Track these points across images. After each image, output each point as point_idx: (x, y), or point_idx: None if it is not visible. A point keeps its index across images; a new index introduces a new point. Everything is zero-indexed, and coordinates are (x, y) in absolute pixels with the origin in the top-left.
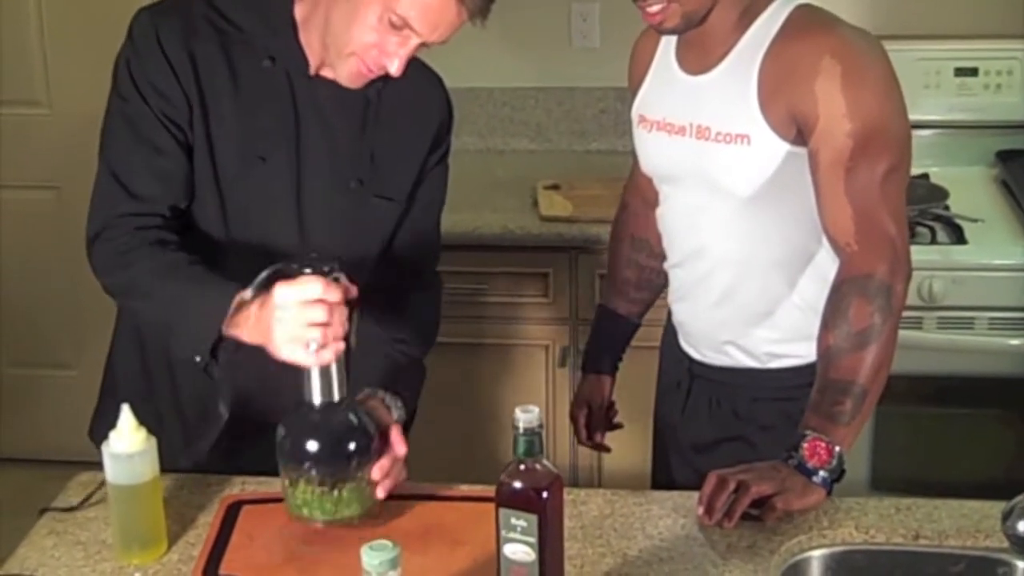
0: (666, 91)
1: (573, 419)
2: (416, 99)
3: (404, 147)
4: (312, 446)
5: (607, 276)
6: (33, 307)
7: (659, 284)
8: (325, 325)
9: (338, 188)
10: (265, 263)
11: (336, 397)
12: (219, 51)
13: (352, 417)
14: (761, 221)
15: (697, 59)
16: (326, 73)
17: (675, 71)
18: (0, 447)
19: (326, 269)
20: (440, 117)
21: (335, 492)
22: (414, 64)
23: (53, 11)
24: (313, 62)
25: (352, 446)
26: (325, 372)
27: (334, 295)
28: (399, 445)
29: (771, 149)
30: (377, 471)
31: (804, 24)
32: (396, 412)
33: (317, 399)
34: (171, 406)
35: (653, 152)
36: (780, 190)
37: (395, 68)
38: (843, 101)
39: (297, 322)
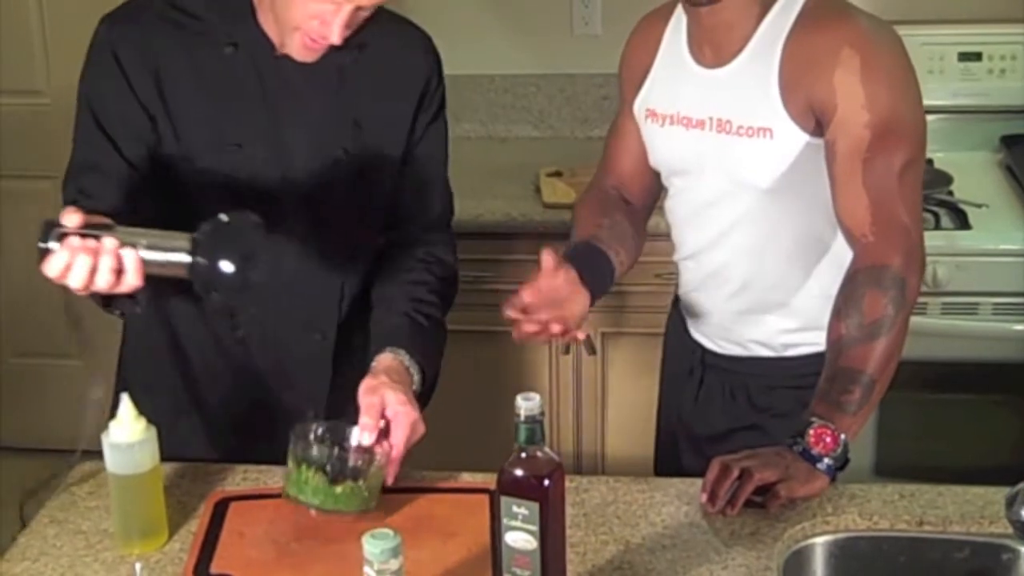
0: (679, 85)
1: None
2: (397, 61)
3: (389, 110)
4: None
5: (575, 238)
6: (34, 296)
7: (631, 248)
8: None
9: (325, 161)
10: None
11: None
12: (180, 48)
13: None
14: (779, 211)
15: (712, 52)
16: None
17: (688, 64)
18: (2, 436)
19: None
20: (425, 75)
21: (334, 485)
22: (396, 24)
23: (54, 0)
24: (276, 41)
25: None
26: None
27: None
28: (396, 447)
29: (792, 141)
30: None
31: (821, 13)
32: (415, 376)
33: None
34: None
35: (665, 147)
36: (799, 181)
37: (335, 36)
38: (862, 92)
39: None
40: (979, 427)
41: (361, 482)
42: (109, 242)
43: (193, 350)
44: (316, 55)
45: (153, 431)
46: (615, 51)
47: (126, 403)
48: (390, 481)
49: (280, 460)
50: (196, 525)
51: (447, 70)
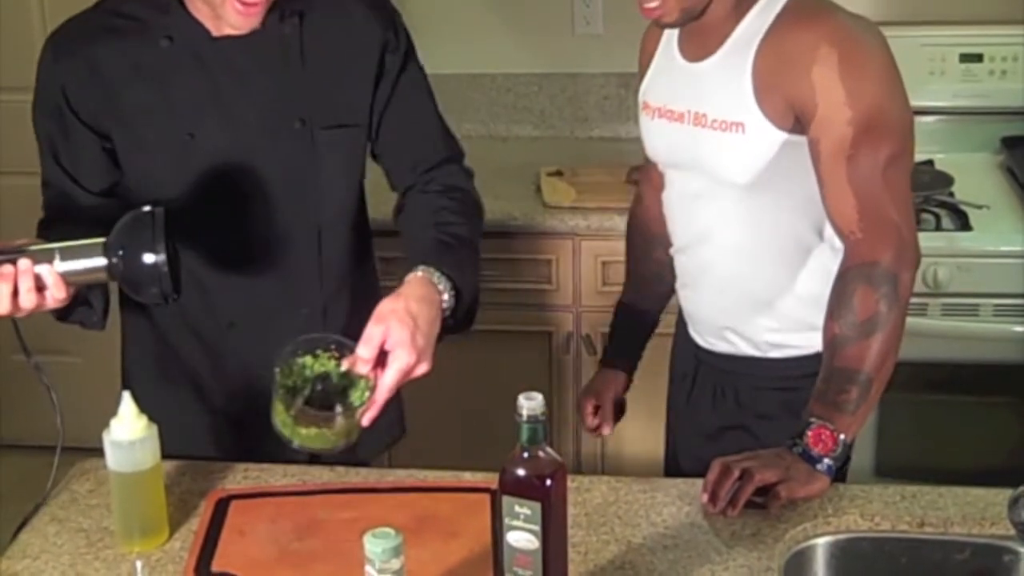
0: (667, 78)
1: (581, 407)
2: (343, 22)
3: (344, 74)
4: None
5: (625, 271)
6: None
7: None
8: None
9: (282, 134)
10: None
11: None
12: (124, 54)
13: (334, 375)
14: (760, 209)
15: (697, 46)
16: (228, 31)
17: (676, 58)
18: (1, 434)
19: None
20: (378, 32)
21: (298, 426)
22: None
23: None
24: (211, 26)
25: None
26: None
27: None
28: (380, 390)
29: (766, 137)
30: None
31: (800, 11)
32: (446, 294)
33: None
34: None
35: (655, 138)
36: (779, 179)
37: None
38: (842, 89)
39: None
40: (979, 429)
41: (326, 429)
42: (23, 263)
43: (182, 345)
44: (254, 18)
45: (154, 429)
46: (616, 50)
47: (127, 401)
48: (366, 423)
49: (280, 458)
50: (197, 523)
51: (448, 69)
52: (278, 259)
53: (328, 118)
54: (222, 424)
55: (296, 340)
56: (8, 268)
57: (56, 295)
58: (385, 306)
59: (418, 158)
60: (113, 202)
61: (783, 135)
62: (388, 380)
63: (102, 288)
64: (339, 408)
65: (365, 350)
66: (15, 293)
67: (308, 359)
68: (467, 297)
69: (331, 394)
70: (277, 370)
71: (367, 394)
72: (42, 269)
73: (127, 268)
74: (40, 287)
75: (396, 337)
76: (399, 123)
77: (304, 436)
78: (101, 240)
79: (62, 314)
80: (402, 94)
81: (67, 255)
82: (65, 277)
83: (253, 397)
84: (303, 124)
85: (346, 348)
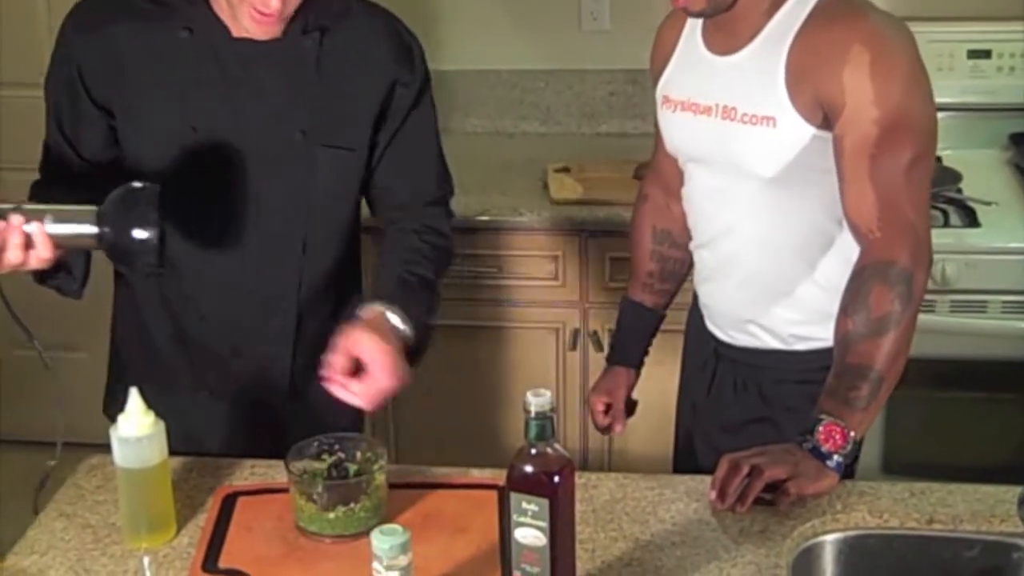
0: (691, 71)
1: (591, 406)
2: (362, 51)
3: (352, 98)
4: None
5: (630, 269)
6: (39, 289)
7: (682, 274)
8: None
9: (281, 142)
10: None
11: None
12: (141, 36)
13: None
14: (785, 202)
15: (725, 40)
16: (247, 34)
17: (701, 51)
18: (7, 429)
19: None
20: (394, 70)
21: (326, 512)
22: (365, 10)
23: None
24: (232, 25)
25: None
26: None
27: None
28: (380, 383)
29: (797, 132)
30: (357, 387)
31: (834, 9)
32: (402, 329)
33: None
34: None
35: (677, 132)
36: (805, 173)
37: (274, 2)
38: (871, 89)
39: None
40: (988, 425)
41: (354, 505)
42: (15, 219)
43: (159, 336)
44: (271, 28)
45: (161, 425)
46: (623, 46)
47: (135, 397)
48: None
49: (281, 454)
50: (204, 519)
51: (455, 65)
52: (257, 264)
53: (329, 137)
54: (206, 419)
55: (294, 449)
56: None
57: (41, 255)
58: (346, 328)
59: (411, 198)
60: (109, 171)
61: (812, 130)
62: (383, 379)
63: (85, 257)
64: (362, 478)
65: (337, 358)
66: (2, 247)
67: (313, 464)
68: (418, 334)
69: (348, 474)
70: (290, 483)
71: (383, 462)
72: (32, 228)
73: (117, 239)
74: (27, 245)
75: (363, 339)
76: (400, 161)
77: (334, 521)
78: (94, 208)
79: (41, 277)
80: (408, 131)
81: (59, 218)
82: (54, 239)
83: (234, 392)
84: (303, 137)
85: (345, 440)
